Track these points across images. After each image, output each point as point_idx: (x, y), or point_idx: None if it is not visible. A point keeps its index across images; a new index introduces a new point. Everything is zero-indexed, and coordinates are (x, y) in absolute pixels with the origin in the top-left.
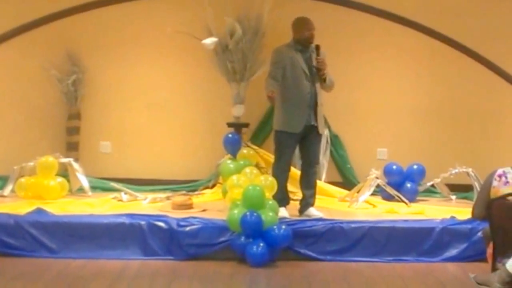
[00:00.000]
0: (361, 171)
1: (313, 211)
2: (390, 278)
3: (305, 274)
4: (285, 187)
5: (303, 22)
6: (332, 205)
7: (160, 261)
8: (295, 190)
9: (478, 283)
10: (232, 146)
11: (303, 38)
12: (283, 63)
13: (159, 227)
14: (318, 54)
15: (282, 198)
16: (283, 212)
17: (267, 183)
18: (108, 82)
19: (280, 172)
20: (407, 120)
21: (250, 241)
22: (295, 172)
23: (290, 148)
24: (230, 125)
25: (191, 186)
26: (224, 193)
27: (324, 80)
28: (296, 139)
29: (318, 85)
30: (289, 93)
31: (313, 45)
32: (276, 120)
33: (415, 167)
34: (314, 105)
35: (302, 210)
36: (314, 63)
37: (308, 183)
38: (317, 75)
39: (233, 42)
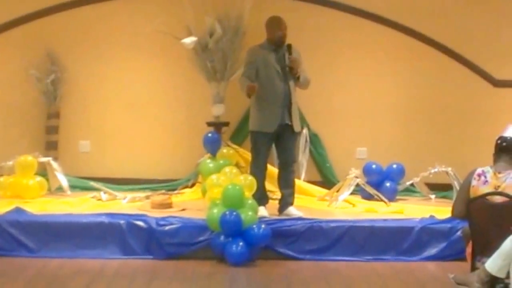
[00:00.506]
0: (340, 170)
1: (293, 211)
2: (370, 277)
3: (285, 273)
4: (263, 186)
5: (275, 21)
6: (312, 204)
7: (139, 260)
8: (274, 189)
9: (457, 283)
10: (212, 146)
11: (275, 38)
12: (256, 63)
13: (139, 227)
14: (290, 53)
15: (261, 197)
16: (262, 211)
17: (247, 182)
18: (87, 82)
19: (258, 172)
20: (387, 120)
21: (230, 240)
22: (274, 171)
23: (266, 147)
24: (210, 124)
25: (170, 185)
26: (204, 192)
27: (298, 78)
28: (271, 138)
29: (291, 84)
30: (262, 93)
31: (285, 44)
32: (251, 121)
33: (394, 166)
34: (288, 104)
35: (281, 210)
36: (287, 62)
37: (286, 182)
38: (291, 73)
39: (213, 42)
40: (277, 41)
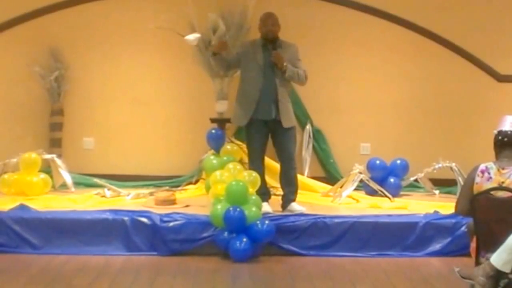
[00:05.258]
0: (344, 166)
1: (296, 206)
2: (374, 273)
3: (288, 269)
4: (264, 181)
5: (263, 17)
6: (315, 200)
7: (143, 256)
8: (277, 185)
9: (462, 277)
10: (216, 142)
11: (262, 34)
12: (240, 55)
13: (143, 223)
14: (274, 48)
15: (262, 193)
16: (265, 207)
17: (251, 178)
18: (91, 79)
19: (254, 168)
20: (390, 115)
21: (234, 237)
22: (276, 166)
23: (258, 144)
24: (213, 120)
25: (174, 181)
26: (207, 188)
27: (284, 72)
28: (262, 134)
29: (278, 80)
30: (241, 87)
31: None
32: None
33: (398, 162)
34: (275, 100)
35: (284, 206)
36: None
37: (286, 180)
38: (277, 68)
39: (216, 38)
40: (264, 37)
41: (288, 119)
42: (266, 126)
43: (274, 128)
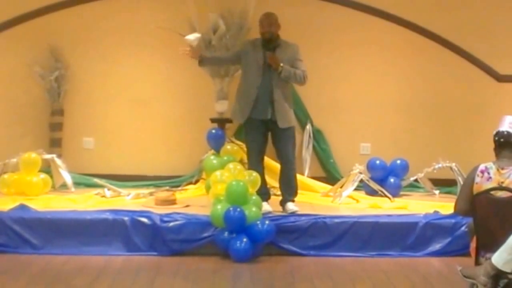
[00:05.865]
0: (344, 166)
1: (290, 206)
2: (374, 273)
3: (289, 269)
4: (264, 181)
5: (261, 18)
6: (315, 200)
7: (143, 256)
8: (278, 185)
9: (464, 276)
10: (216, 142)
11: (260, 34)
12: (240, 54)
13: (143, 223)
14: (272, 48)
15: (263, 193)
16: (266, 207)
17: (251, 178)
18: (91, 78)
19: (252, 168)
20: (391, 115)
21: (234, 237)
22: (276, 166)
23: (255, 144)
24: (213, 120)
25: (174, 181)
26: (208, 188)
27: (280, 73)
28: (259, 134)
29: (275, 80)
30: (241, 85)
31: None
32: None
33: (398, 162)
34: (271, 100)
35: (282, 206)
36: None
37: (284, 181)
38: (273, 70)
39: (217, 38)
40: (262, 37)
41: (284, 120)
42: (263, 126)
43: (271, 128)
